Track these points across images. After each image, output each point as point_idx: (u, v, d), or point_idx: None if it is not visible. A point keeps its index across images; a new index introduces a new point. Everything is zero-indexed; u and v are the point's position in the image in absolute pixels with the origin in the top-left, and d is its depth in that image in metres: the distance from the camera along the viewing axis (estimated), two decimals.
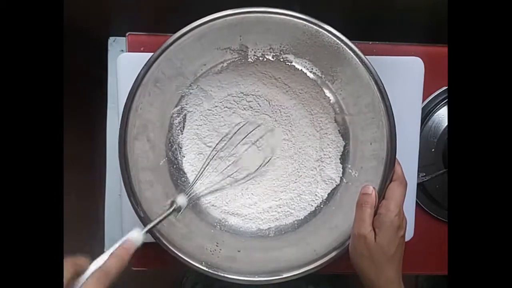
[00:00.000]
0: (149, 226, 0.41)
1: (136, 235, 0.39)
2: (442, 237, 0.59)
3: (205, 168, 0.50)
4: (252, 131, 0.51)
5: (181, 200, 0.46)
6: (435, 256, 0.58)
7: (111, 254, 0.37)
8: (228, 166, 0.51)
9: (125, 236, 0.39)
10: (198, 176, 0.49)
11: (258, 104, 0.52)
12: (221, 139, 0.51)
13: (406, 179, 0.44)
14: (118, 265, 0.36)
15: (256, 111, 0.52)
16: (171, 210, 0.44)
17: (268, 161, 0.51)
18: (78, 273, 0.35)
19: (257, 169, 0.51)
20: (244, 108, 0.52)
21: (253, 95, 0.51)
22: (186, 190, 0.48)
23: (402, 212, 0.42)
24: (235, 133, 0.51)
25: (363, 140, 0.48)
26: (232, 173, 0.51)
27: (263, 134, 0.52)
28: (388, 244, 0.41)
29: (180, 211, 0.45)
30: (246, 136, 0.51)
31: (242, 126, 0.51)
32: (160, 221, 0.43)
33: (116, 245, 0.38)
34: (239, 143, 0.51)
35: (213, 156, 0.50)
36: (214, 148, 0.51)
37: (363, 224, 0.42)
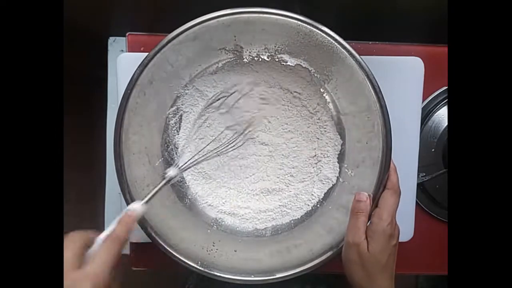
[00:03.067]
0: (147, 198, 0.42)
1: (136, 206, 0.41)
2: (442, 237, 0.59)
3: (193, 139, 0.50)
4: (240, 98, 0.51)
5: (173, 172, 0.47)
6: (435, 256, 0.58)
7: (118, 221, 0.38)
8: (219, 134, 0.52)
9: (126, 208, 0.41)
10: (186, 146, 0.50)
11: (254, 101, 0.52)
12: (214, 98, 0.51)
13: (400, 189, 0.44)
14: (125, 230, 0.38)
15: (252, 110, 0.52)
16: (164, 181, 0.45)
17: (255, 122, 0.52)
18: (88, 245, 0.36)
19: (245, 128, 0.52)
20: (239, 106, 0.52)
21: (249, 93, 0.51)
22: (175, 161, 0.50)
23: (394, 221, 0.42)
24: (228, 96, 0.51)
25: (359, 139, 0.48)
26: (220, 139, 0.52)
27: (251, 88, 0.51)
28: (381, 253, 0.41)
29: (170, 181, 0.47)
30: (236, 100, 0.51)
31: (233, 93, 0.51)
32: (156, 192, 0.43)
33: (119, 217, 0.39)
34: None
35: (201, 124, 0.51)
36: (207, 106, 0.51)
37: (357, 232, 0.42)
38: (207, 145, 0.51)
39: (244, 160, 0.52)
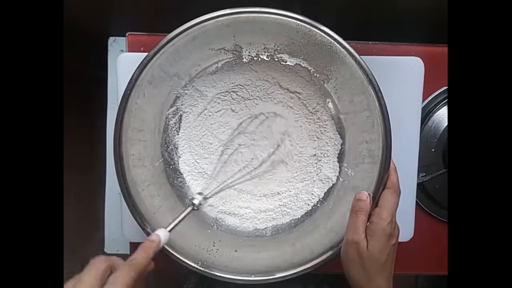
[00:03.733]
0: (171, 226, 0.43)
1: (160, 233, 0.41)
2: (442, 237, 0.59)
3: (219, 168, 0.51)
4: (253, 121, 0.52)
5: (197, 198, 0.48)
6: (435, 256, 0.59)
7: (140, 247, 0.39)
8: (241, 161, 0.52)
9: (152, 233, 0.42)
10: (214, 173, 0.51)
11: (255, 103, 0.52)
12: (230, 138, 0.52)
13: (400, 188, 0.44)
14: (145, 256, 0.38)
15: (252, 108, 0.52)
16: (189, 209, 0.46)
17: (277, 147, 0.52)
18: (111, 270, 0.36)
19: (271, 154, 0.52)
20: (241, 109, 0.52)
21: (250, 97, 0.52)
22: (203, 190, 0.51)
23: (394, 220, 0.42)
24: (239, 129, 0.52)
25: (359, 139, 0.48)
26: (245, 166, 0.52)
27: (263, 120, 0.52)
28: (380, 252, 0.41)
29: (197, 208, 0.48)
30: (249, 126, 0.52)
31: (250, 121, 0.52)
32: (181, 220, 0.44)
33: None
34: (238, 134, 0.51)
35: (222, 153, 0.52)
36: (222, 145, 0.52)
37: (356, 230, 0.42)
38: (235, 173, 0.52)
39: (245, 161, 0.52)
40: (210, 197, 0.51)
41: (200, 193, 0.49)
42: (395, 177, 0.44)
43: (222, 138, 0.52)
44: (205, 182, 0.52)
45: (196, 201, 0.47)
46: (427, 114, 0.57)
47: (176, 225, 0.43)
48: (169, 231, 0.42)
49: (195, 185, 0.52)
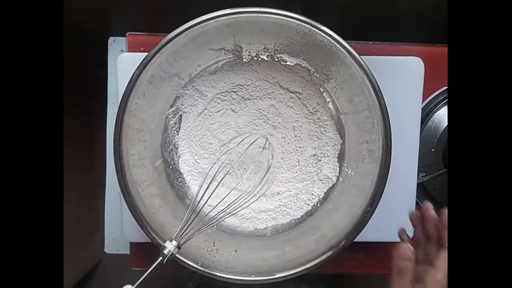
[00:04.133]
0: (137, 283, 0.39)
1: None
2: None
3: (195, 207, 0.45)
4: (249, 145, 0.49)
5: (170, 246, 0.42)
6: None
7: None
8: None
9: None
10: (187, 217, 0.44)
11: (255, 103, 0.52)
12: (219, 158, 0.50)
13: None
14: None
15: (252, 109, 0.52)
16: (158, 261, 0.40)
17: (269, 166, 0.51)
18: None
19: (264, 176, 0.51)
20: (241, 109, 0.52)
21: (250, 97, 0.52)
22: (175, 234, 0.43)
23: (446, 281, 0.37)
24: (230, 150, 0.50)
25: (359, 139, 0.48)
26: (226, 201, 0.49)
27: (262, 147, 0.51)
28: None
29: (170, 258, 0.41)
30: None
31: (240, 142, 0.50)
32: (150, 272, 0.40)
33: None
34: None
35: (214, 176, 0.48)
36: (210, 170, 0.49)
37: None
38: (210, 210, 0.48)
39: (245, 162, 0.52)
40: (183, 243, 0.43)
41: (171, 239, 0.42)
42: (445, 232, 0.39)
43: (222, 138, 0.52)
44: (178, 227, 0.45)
45: (166, 251, 0.41)
46: (427, 114, 0.57)
47: (144, 278, 0.39)
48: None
49: (194, 185, 0.52)
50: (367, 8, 0.58)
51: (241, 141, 0.50)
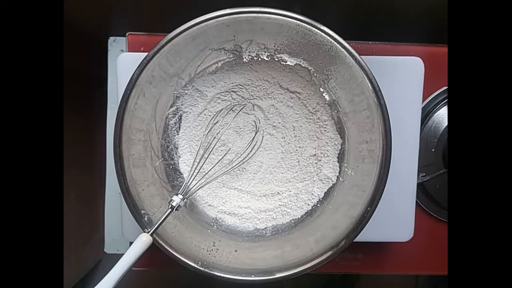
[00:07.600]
0: (152, 229, 0.43)
1: (145, 237, 0.42)
2: (442, 237, 0.59)
3: (197, 164, 0.50)
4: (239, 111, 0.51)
5: (177, 199, 0.46)
6: (435, 256, 0.58)
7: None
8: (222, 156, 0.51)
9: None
10: (191, 174, 0.49)
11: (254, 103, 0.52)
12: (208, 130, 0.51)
13: None
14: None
15: (251, 109, 0.52)
16: (168, 211, 0.45)
17: (262, 138, 0.52)
18: None
19: (248, 147, 0.52)
20: (240, 108, 0.52)
21: (250, 97, 0.52)
22: (179, 189, 0.48)
23: None
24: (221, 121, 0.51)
25: (359, 138, 0.48)
26: (223, 160, 0.52)
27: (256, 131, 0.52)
28: None
29: (178, 209, 0.46)
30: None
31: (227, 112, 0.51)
32: (161, 223, 0.43)
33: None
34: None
35: (204, 150, 0.51)
36: (202, 142, 0.51)
37: None
38: (213, 166, 0.51)
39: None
40: (190, 196, 0.49)
41: (177, 194, 0.47)
42: None
43: (222, 138, 0.52)
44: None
45: (174, 203, 0.45)
46: (427, 114, 0.57)
47: (155, 229, 0.43)
48: (151, 235, 0.42)
49: (192, 181, 0.52)
50: (367, 8, 0.58)
51: (229, 112, 0.52)
